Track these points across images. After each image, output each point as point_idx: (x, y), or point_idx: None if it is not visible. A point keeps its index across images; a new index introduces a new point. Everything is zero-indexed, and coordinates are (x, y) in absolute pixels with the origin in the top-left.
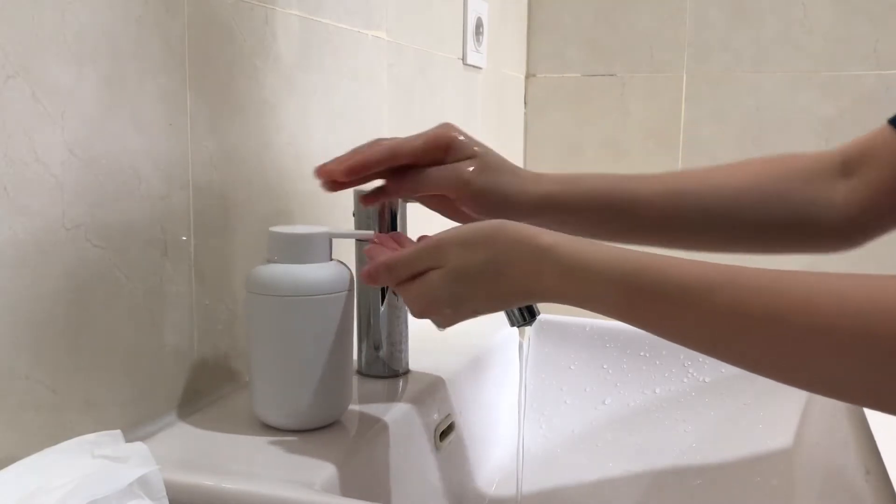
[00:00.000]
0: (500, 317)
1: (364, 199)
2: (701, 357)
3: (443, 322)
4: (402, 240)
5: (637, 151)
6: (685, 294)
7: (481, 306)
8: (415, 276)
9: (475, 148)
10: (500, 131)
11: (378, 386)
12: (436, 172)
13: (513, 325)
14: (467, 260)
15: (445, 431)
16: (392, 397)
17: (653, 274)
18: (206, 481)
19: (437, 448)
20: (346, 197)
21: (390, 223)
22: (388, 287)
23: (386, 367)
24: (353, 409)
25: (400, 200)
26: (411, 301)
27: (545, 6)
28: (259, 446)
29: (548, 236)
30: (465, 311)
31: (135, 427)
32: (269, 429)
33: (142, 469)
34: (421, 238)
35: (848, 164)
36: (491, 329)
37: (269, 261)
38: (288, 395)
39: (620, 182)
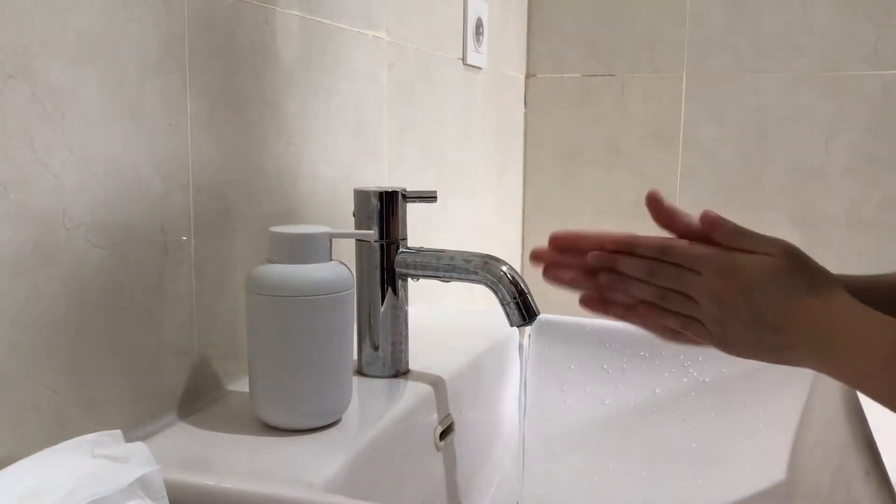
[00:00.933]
0: (501, 317)
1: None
2: (701, 357)
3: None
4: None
5: (637, 151)
6: None
7: (758, 320)
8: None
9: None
10: (500, 131)
11: (378, 386)
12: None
13: (513, 324)
14: (787, 265)
15: (445, 431)
16: (392, 397)
17: None
18: (206, 481)
19: (437, 448)
20: (347, 197)
21: (389, 223)
22: (392, 285)
23: (386, 366)
24: (353, 409)
25: (401, 198)
26: (722, 272)
27: (545, 6)
28: (259, 446)
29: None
30: (739, 311)
31: (135, 427)
32: (269, 429)
33: (142, 469)
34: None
35: None
36: (491, 329)
37: (270, 261)
38: (288, 395)
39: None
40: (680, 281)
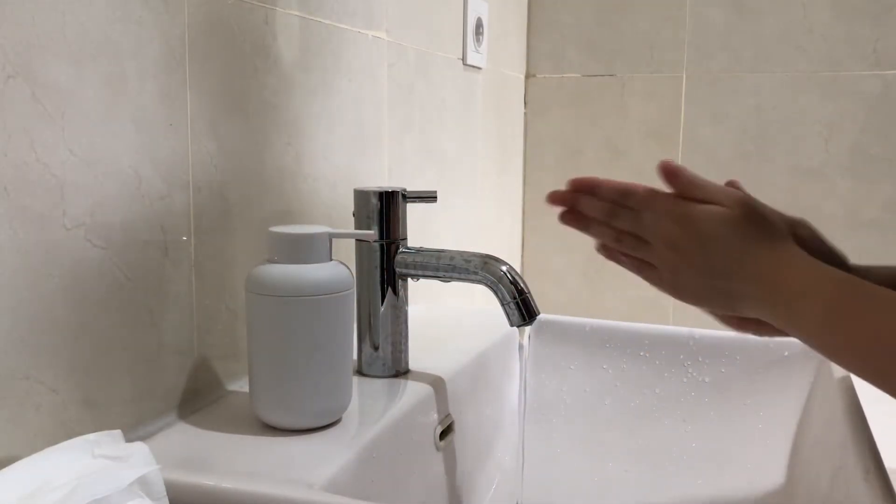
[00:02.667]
0: (501, 317)
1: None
2: (701, 357)
3: (656, 258)
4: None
5: (637, 151)
6: None
7: (710, 265)
8: (696, 202)
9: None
10: (500, 131)
11: (378, 386)
12: None
13: (513, 324)
14: (741, 216)
15: (445, 431)
16: (392, 397)
17: (869, 285)
18: (206, 481)
19: (437, 448)
20: (347, 197)
21: (389, 223)
22: (392, 285)
23: (386, 367)
24: (353, 409)
25: (401, 198)
26: (677, 219)
27: (545, 6)
28: (259, 446)
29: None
30: (690, 255)
31: (135, 427)
32: (269, 429)
33: (142, 469)
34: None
35: None
36: (491, 329)
37: (269, 261)
38: (288, 395)
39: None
40: (637, 225)
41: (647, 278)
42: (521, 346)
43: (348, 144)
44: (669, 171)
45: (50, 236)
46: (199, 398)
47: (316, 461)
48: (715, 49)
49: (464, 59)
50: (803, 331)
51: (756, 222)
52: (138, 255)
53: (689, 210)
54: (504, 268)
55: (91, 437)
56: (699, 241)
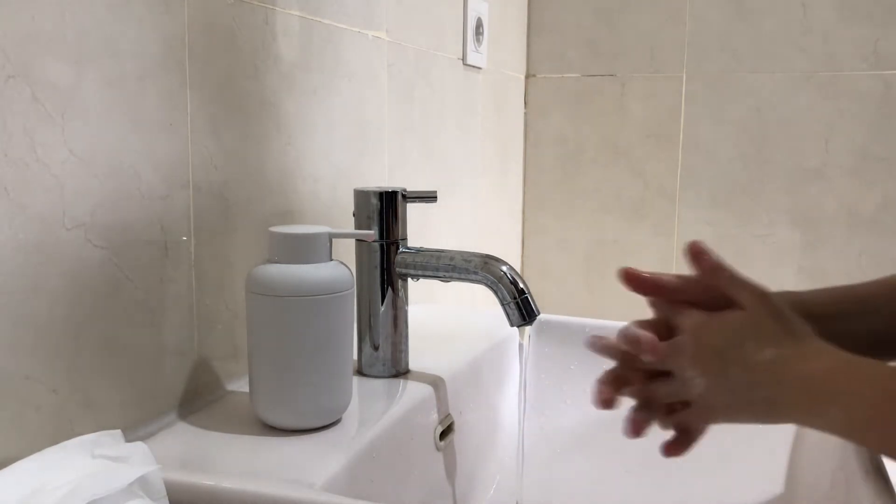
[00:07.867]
0: (501, 317)
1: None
2: None
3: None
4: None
5: (637, 151)
6: None
7: (735, 374)
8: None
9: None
10: (500, 131)
11: (378, 386)
12: None
13: (513, 324)
14: (757, 317)
15: (445, 431)
16: (392, 397)
17: None
18: (206, 481)
19: (437, 448)
20: (347, 197)
21: (389, 223)
22: (392, 285)
23: (386, 367)
24: (353, 409)
25: (401, 198)
26: (701, 326)
27: (545, 6)
28: (259, 446)
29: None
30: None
31: (135, 427)
32: (269, 429)
33: (142, 469)
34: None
35: None
36: (491, 329)
37: (270, 261)
38: (288, 395)
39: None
40: (674, 392)
41: (679, 421)
42: (521, 346)
43: (348, 144)
44: (697, 252)
45: (50, 236)
46: (199, 398)
47: (316, 461)
48: (715, 49)
49: (464, 59)
50: (852, 436)
51: (778, 319)
52: (138, 255)
53: (710, 322)
54: (504, 268)
55: (91, 437)
56: (721, 354)
